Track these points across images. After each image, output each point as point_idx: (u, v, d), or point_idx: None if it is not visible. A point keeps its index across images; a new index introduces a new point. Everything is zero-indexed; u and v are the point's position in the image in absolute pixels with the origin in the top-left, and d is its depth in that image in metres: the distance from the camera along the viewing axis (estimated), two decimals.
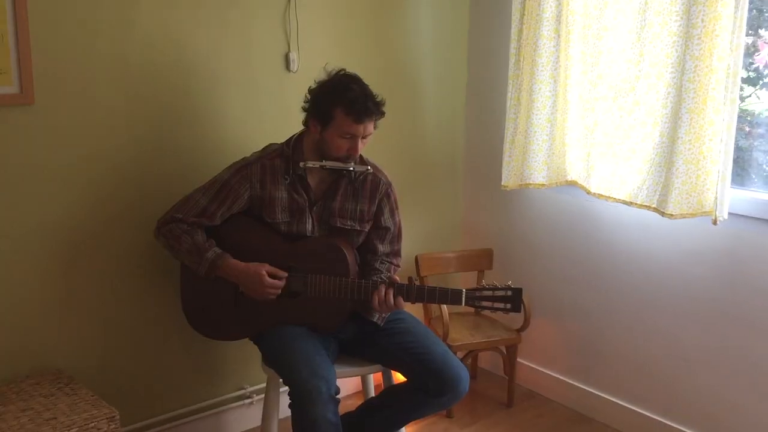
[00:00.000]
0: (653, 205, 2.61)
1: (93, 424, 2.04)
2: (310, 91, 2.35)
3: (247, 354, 2.82)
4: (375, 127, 2.33)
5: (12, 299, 2.30)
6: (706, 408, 2.70)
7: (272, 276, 2.29)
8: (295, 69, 2.79)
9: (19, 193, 2.26)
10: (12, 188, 2.25)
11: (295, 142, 2.40)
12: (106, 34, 2.35)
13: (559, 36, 2.81)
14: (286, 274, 2.31)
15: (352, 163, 2.33)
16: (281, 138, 2.48)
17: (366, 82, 2.31)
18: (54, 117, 2.29)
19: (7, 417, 2.05)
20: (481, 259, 3.31)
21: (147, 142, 2.50)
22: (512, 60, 2.95)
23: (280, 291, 2.31)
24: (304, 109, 2.36)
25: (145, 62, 2.44)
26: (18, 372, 2.32)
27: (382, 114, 2.30)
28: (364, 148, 2.34)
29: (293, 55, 2.77)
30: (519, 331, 3.12)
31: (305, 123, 2.37)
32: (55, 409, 2.09)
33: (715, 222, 2.44)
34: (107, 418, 2.07)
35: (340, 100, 2.23)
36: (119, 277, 2.51)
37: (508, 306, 2.23)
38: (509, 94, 2.98)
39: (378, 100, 2.28)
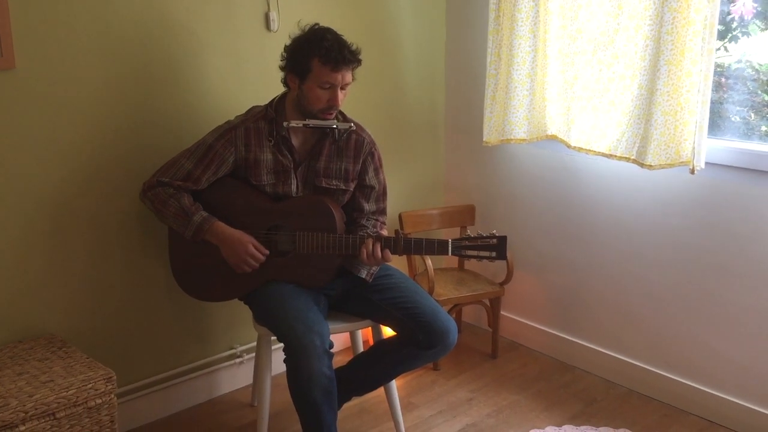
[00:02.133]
0: (632, 157, 2.66)
1: (90, 385, 2.07)
2: (286, 48, 2.35)
3: (236, 314, 2.85)
4: (353, 78, 2.34)
5: (1, 264, 2.30)
6: (684, 353, 2.80)
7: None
8: (276, 29, 2.77)
9: (4, 158, 2.25)
10: None
11: (278, 103, 2.40)
12: None
13: None
14: (267, 252, 2.34)
15: (335, 121, 2.35)
16: (263, 98, 2.48)
17: (341, 34, 2.32)
18: (36, 81, 2.26)
19: (4, 381, 2.06)
20: (464, 215, 3.36)
21: (130, 106, 2.48)
22: (491, 15, 2.95)
23: (256, 266, 2.33)
24: (282, 68, 2.37)
25: (126, 24, 2.42)
26: (10, 337, 2.33)
27: (359, 62, 2.32)
28: (344, 101, 2.34)
29: (273, 15, 2.75)
30: (502, 284, 3.19)
31: (284, 81, 2.38)
32: (51, 372, 2.11)
33: (692, 171, 2.50)
34: (104, 379, 2.10)
35: (317, 51, 2.24)
36: (108, 240, 2.51)
37: (494, 254, 2.25)
38: (489, 50, 2.99)
39: (353, 48, 2.30)
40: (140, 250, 2.60)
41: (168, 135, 2.57)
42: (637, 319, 2.92)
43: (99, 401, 2.10)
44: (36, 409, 1.96)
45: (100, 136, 2.44)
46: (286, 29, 2.73)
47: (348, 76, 2.30)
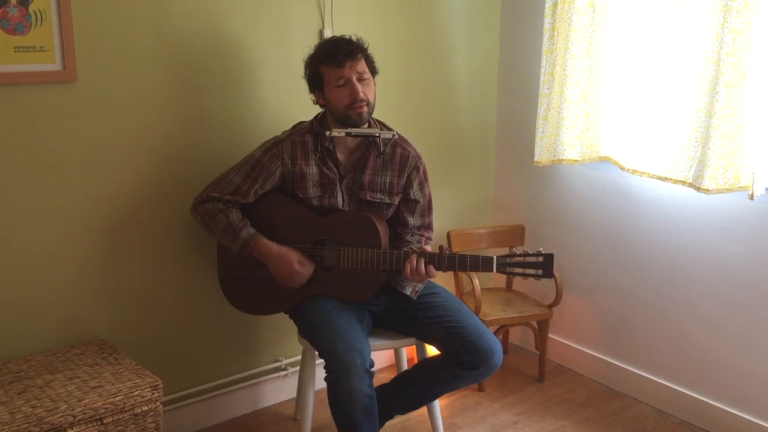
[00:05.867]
0: (688, 181, 2.59)
1: (137, 392, 2.11)
2: (304, 74, 2.44)
3: (282, 327, 2.87)
4: (372, 68, 2.37)
5: (59, 272, 2.36)
6: (740, 384, 2.70)
7: (300, 263, 2.35)
8: None
9: (65, 169, 2.32)
10: (58, 165, 2.30)
11: (322, 118, 2.44)
12: (145, 11, 2.38)
13: (594, 10, 2.79)
14: (313, 266, 2.36)
15: (378, 130, 2.35)
16: (315, 114, 2.50)
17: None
18: (97, 94, 2.33)
19: (55, 385, 2.12)
20: (513, 235, 3.32)
21: (186, 120, 2.54)
22: (546, 35, 2.93)
23: (302, 282, 2.36)
24: (309, 93, 2.44)
25: (184, 40, 2.48)
26: (64, 342, 2.39)
27: (362, 50, 2.35)
28: (373, 95, 2.35)
29: (327, 32, 2.78)
30: (551, 306, 3.14)
31: (314, 102, 2.45)
32: (101, 378, 2.16)
33: (751, 197, 2.43)
34: (151, 387, 2.13)
35: (319, 57, 2.35)
36: (161, 251, 2.56)
37: (540, 272, 2.20)
38: (543, 69, 2.97)
39: (354, 40, 2.35)
40: (191, 261, 2.64)
41: (223, 147, 2.62)
42: (691, 347, 2.84)
43: (145, 408, 2.13)
44: (84, 413, 2.01)
45: (157, 148, 2.49)
46: None
47: (358, 66, 2.32)
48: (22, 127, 2.22)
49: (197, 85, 2.54)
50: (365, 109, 2.33)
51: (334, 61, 2.30)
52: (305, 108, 2.67)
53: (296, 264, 2.34)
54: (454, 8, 3.18)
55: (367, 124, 2.37)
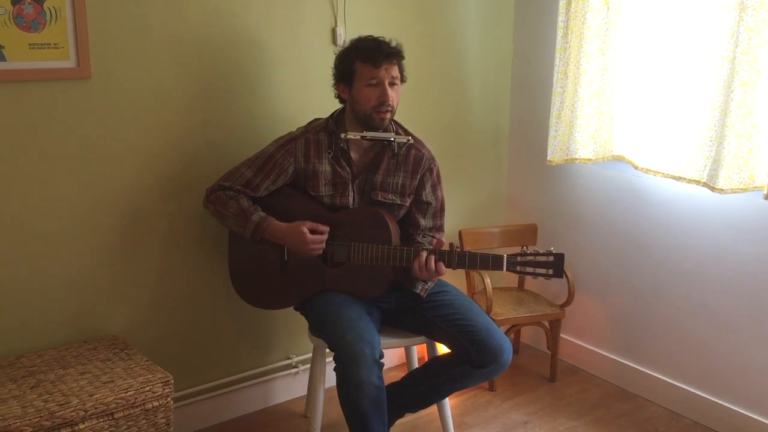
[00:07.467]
0: (703, 180, 2.57)
1: (148, 387, 2.12)
2: (333, 65, 2.42)
3: (293, 324, 2.88)
4: (402, 75, 2.36)
5: (72, 268, 2.38)
6: (754, 385, 2.67)
7: (313, 231, 2.33)
8: (342, 43, 2.79)
9: (78, 165, 2.33)
10: (72, 161, 2.32)
11: (338, 116, 2.44)
12: (158, 8, 2.39)
13: (608, 8, 2.78)
14: (327, 228, 2.34)
15: (393, 134, 2.35)
16: (327, 111, 2.50)
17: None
18: (110, 90, 2.34)
19: (67, 379, 2.13)
20: (525, 235, 3.31)
21: (200, 117, 2.55)
22: (560, 33, 2.91)
23: (323, 245, 2.34)
24: (333, 86, 2.43)
25: (197, 37, 2.48)
26: (76, 337, 2.41)
27: (400, 56, 2.35)
28: (398, 102, 2.35)
29: (340, 30, 2.79)
30: (563, 306, 3.12)
31: (337, 95, 2.44)
32: (112, 373, 2.17)
33: (766, 197, 2.40)
34: (162, 382, 2.15)
35: (357, 53, 2.33)
36: (173, 248, 2.58)
37: (550, 272, 2.20)
38: (556, 68, 2.95)
39: (393, 44, 2.34)
40: (203, 259, 2.65)
41: (235, 144, 2.62)
42: (704, 348, 2.81)
43: (156, 404, 2.14)
44: (95, 408, 2.02)
45: (170, 145, 2.50)
46: None
47: (393, 70, 2.31)
48: (36, 123, 2.24)
49: (210, 82, 2.55)
50: (389, 115, 2.33)
51: (371, 60, 2.29)
52: (319, 105, 2.68)
53: (308, 234, 2.30)
54: (467, 6, 3.17)
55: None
